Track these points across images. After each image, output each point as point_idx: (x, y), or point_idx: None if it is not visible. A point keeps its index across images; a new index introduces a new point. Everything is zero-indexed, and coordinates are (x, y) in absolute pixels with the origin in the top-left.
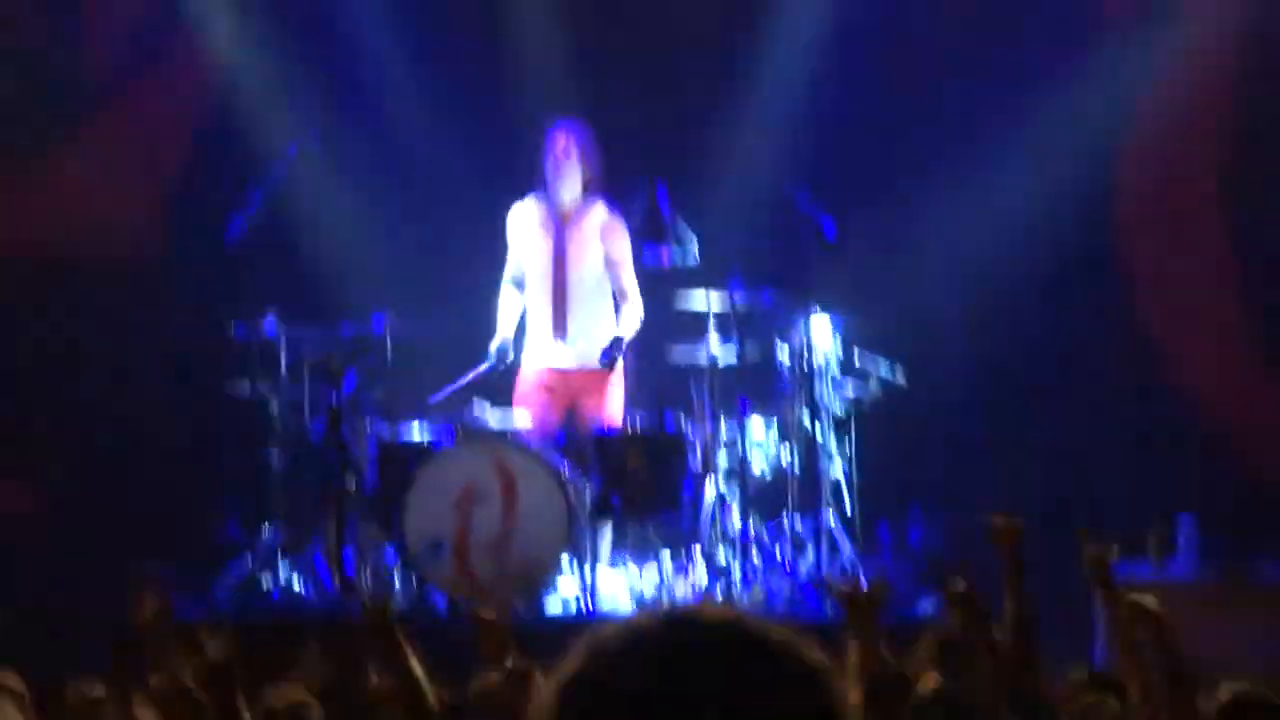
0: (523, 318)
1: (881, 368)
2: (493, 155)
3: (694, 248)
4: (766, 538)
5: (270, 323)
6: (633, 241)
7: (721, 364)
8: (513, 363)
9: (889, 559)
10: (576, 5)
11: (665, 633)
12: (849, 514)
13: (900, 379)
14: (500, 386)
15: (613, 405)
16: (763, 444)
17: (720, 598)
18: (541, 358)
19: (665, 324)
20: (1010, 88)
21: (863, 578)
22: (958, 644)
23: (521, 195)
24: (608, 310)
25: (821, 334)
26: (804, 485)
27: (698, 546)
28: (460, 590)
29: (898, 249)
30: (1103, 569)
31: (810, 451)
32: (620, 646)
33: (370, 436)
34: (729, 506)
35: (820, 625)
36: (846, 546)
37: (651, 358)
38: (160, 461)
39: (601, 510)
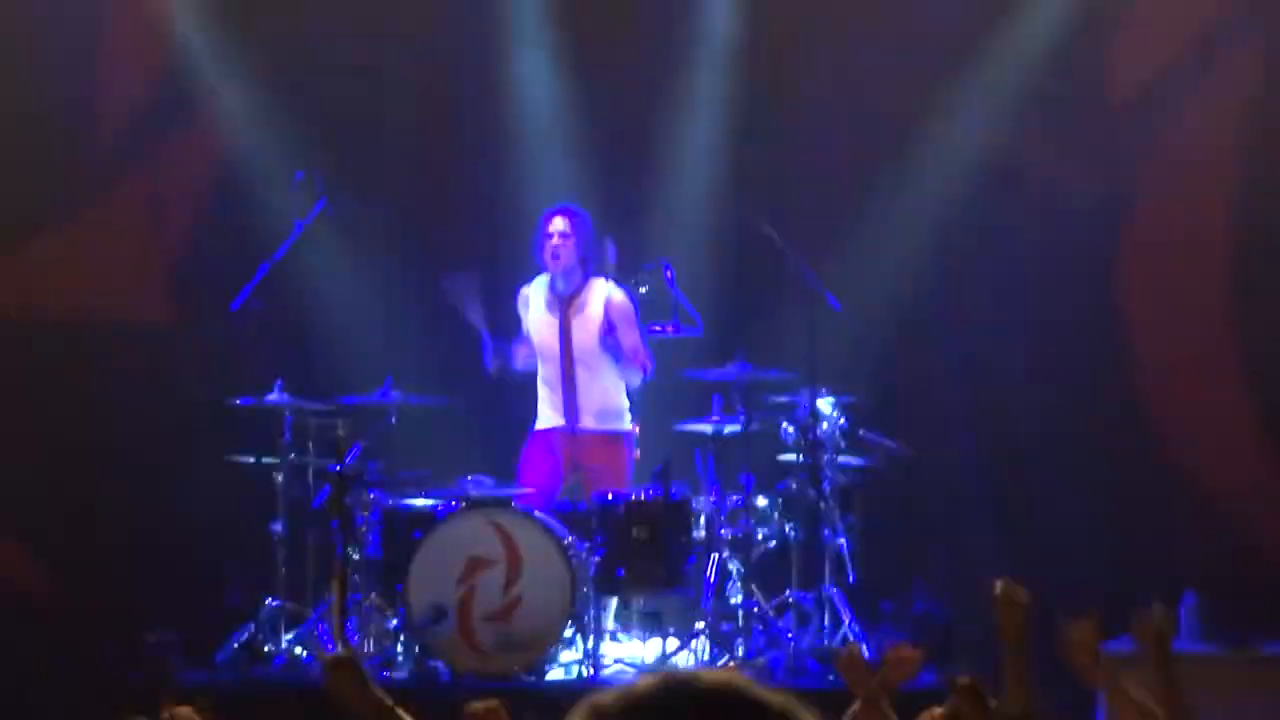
0: (533, 383)
1: (884, 441)
2: (497, 230)
3: (698, 329)
4: (769, 609)
5: (275, 392)
6: (639, 318)
7: (726, 435)
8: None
9: (891, 631)
10: (582, 91)
11: (663, 696)
12: (851, 586)
13: (904, 452)
14: (506, 454)
15: (622, 472)
16: (766, 515)
17: (721, 667)
18: (550, 423)
19: (670, 395)
20: (1011, 160)
21: (866, 648)
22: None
23: (528, 277)
24: (615, 383)
25: (825, 407)
26: (807, 557)
27: (701, 617)
28: (463, 659)
29: (904, 325)
30: (1092, 647)
31: (813, 523)
32: (619, 709)
33: (374, 505)
34: (733, 577)
35: (821, 695)
36: (848, 618)
37: (657, 429)
38: (165, 529)
39: (605, 580)
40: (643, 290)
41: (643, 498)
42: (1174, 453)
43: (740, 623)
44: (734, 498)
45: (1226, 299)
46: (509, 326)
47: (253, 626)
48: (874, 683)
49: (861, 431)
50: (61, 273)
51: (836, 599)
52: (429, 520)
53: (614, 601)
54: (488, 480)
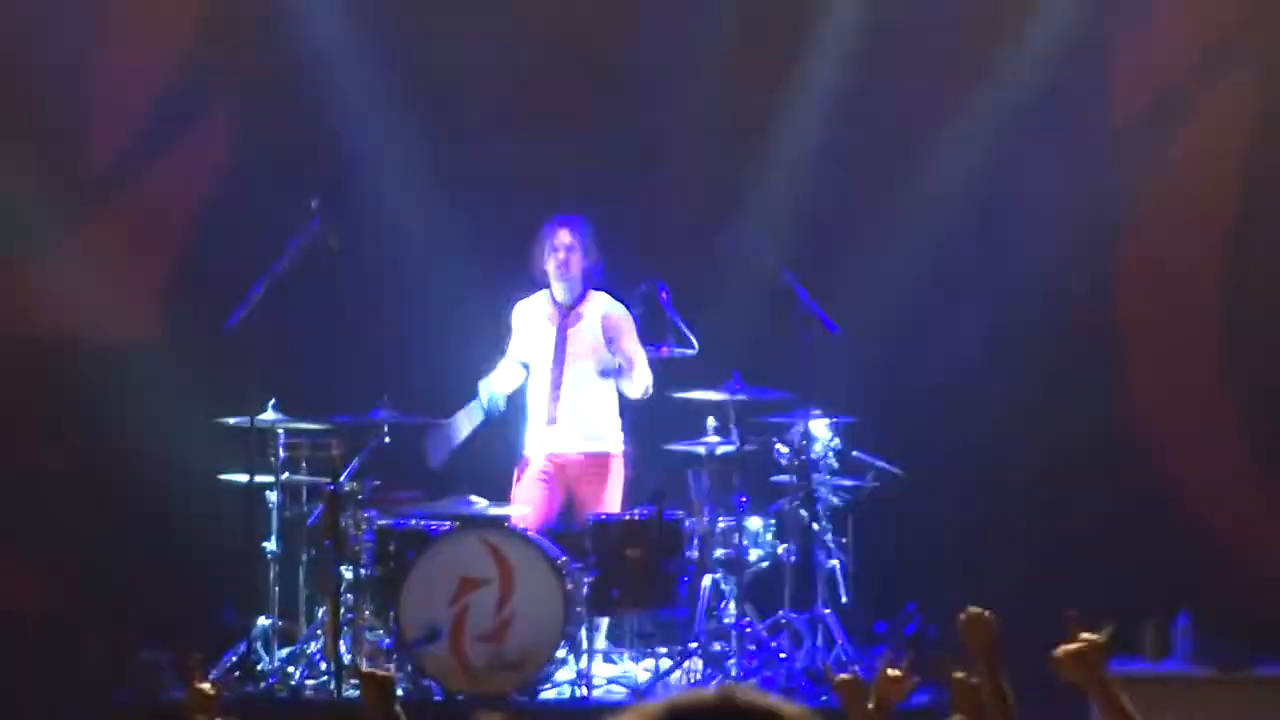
0: (524, 405)
1: (878, 462)
2: (495, 248)
3: (693, 349)
4: (762, 629)
5: (269, 411)
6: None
7: (720, 456)
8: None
9: (884, 652)
10: (581, 104)
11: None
12: (845, 606)
13: (897, 473)
14: (499, 475)
15: (612, 494)
16: (760, 536)
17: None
18: (541, 446)
19: (664, 416)
20: (1012, 185)
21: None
22: None
23: (525, 290)
24: (609, 399)
25: (819, 428)
26: (800, 577)
27: (694, 638)
28: (456, 678)
29: (898, 346)
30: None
31: (807, 544)
32: None
33: (367, 524)
34: (726, 598)
35: (815, 716)
36: (841, 639)
37: (650, 449)
38: (158, 548)
39: (598, 600)
40: (637, 311)
41: (636, 518)
42: (1167, 476)
43: (733, 643)
44: (728, 518)
45: (1220, 323)
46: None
47: (245, 645)
48: (869, 704)
49: (855, 453)
50: (56, 291)
51: (829, 620)
52: (422, 540)
53: (607, 621)
54: (481, 500)
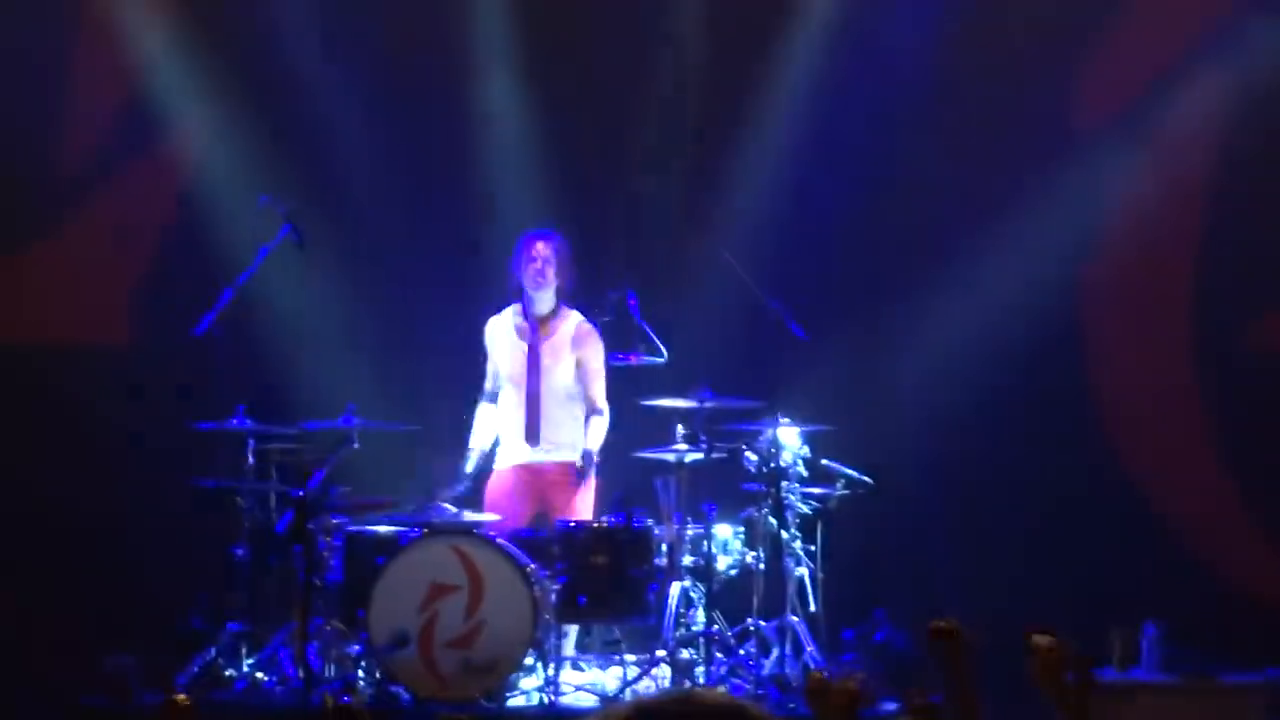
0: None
1: (847, 470)
2: (463, 258)
3: (662, 357)
4: (731, 637)
5: (238, 417)
6: (605, 348)
7: (689, 464)
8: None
9: (853, 659)
10: (547, 118)
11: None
12: (813, 614)
13: (866, 481)
14: (471, 485)
15: (582, 503)
16: (728, 543)
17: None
18: (513, 458)
19: (633, 424)
20: (981, 197)
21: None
22: None
23: (496, 304)
24: (578, 415)
25: (788, 436)
26: (769, 585)
27: (662, 645)
28: (424, 684)
29: (866, 355)
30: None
31: (775, 551)
32: None
33: (336, 530)
34: (694, 605)
35: None
36: (810, 646)
37: (619, 457)
38: (126, 553)
39: (566, 607)
40: (606, 320)
41: (604, 525)
42: (1136, 485)
43: (701, 650)
44: (696, 526)
45: (1190, 332)
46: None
47: (214, 651)
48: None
49: (824, 461)
50: (25, 297)
51: (798, 627)
52: (392, 546)
53: (575, 629)
54: (451, 507)
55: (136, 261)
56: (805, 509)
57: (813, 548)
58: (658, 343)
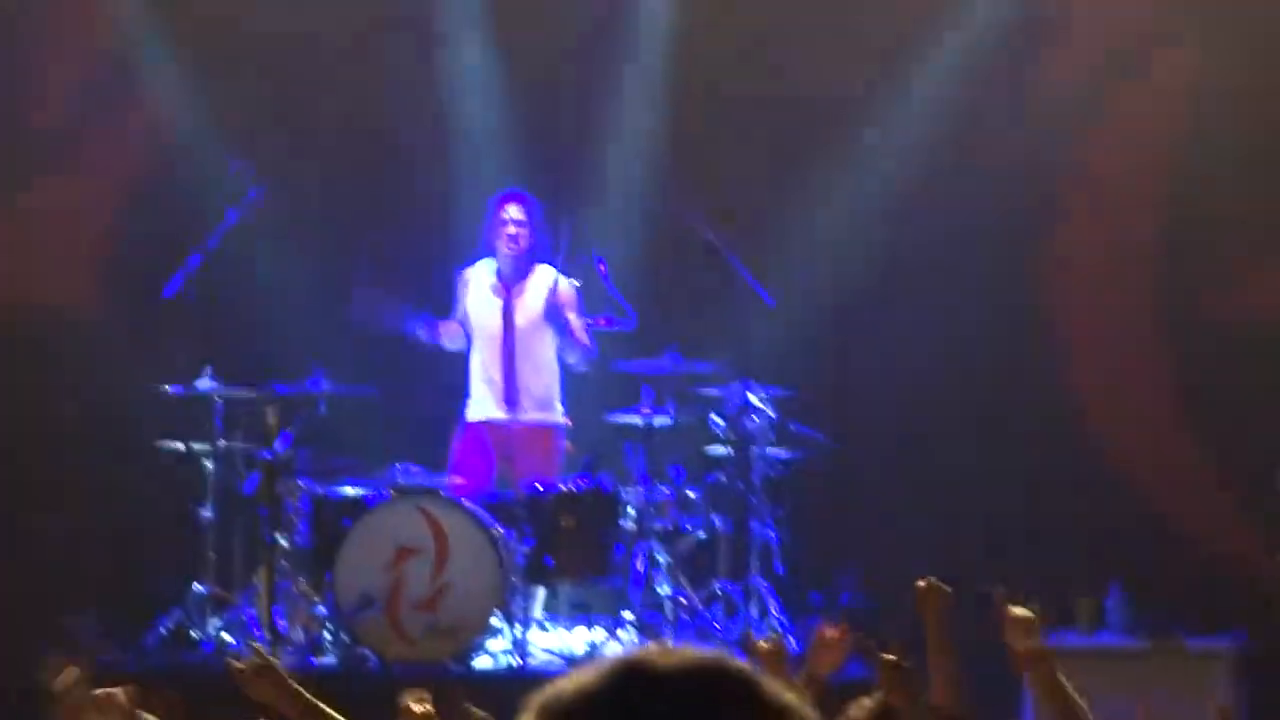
0: (466, 372)
1: (813, 434)
2: (433, 219)
3: (631, 322)
4: (697, 600)
5: (205, 379)
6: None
7: (656, 427)
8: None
9: (819, 622)
10: (516, 83)
11: (620, 689)
12: (779, 577)
13: (832, 445)
14: (435, 444)
15: (551, 463)
16: (695, 506)
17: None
18: (483, 415)
19: (601, 387)
20: (943, 158)
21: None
22: (889, 711)
23: (468, 260)
24: (551, 372)
25: (755, 400)
26: (735, 548)
27: (628, 608)
28: (391, 646)
29: (833, 317)
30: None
31: (742, 515)
32: (572, 708)
33: (303, 493)
34: (660, 568)
35: None
36: (776, 609)
37: (587, 420)
38: (92, 515)
39: (533, 569)
40: (576, 284)
41: (572, 488)
42: (1100, 449)
43: (668, 613)
44: (663, 489)
45: (1156, 298)
46: (442, 310)
47: (180, 612)
48: (801, 674)
49: (791, 425)
50: None
51: (764, 590)
52: (358, 508)
53: (542, 591)
54: (417, 469)
55: (105, 223)
56: (772, 473)
57: (779, 511)
58: (627, 306)
